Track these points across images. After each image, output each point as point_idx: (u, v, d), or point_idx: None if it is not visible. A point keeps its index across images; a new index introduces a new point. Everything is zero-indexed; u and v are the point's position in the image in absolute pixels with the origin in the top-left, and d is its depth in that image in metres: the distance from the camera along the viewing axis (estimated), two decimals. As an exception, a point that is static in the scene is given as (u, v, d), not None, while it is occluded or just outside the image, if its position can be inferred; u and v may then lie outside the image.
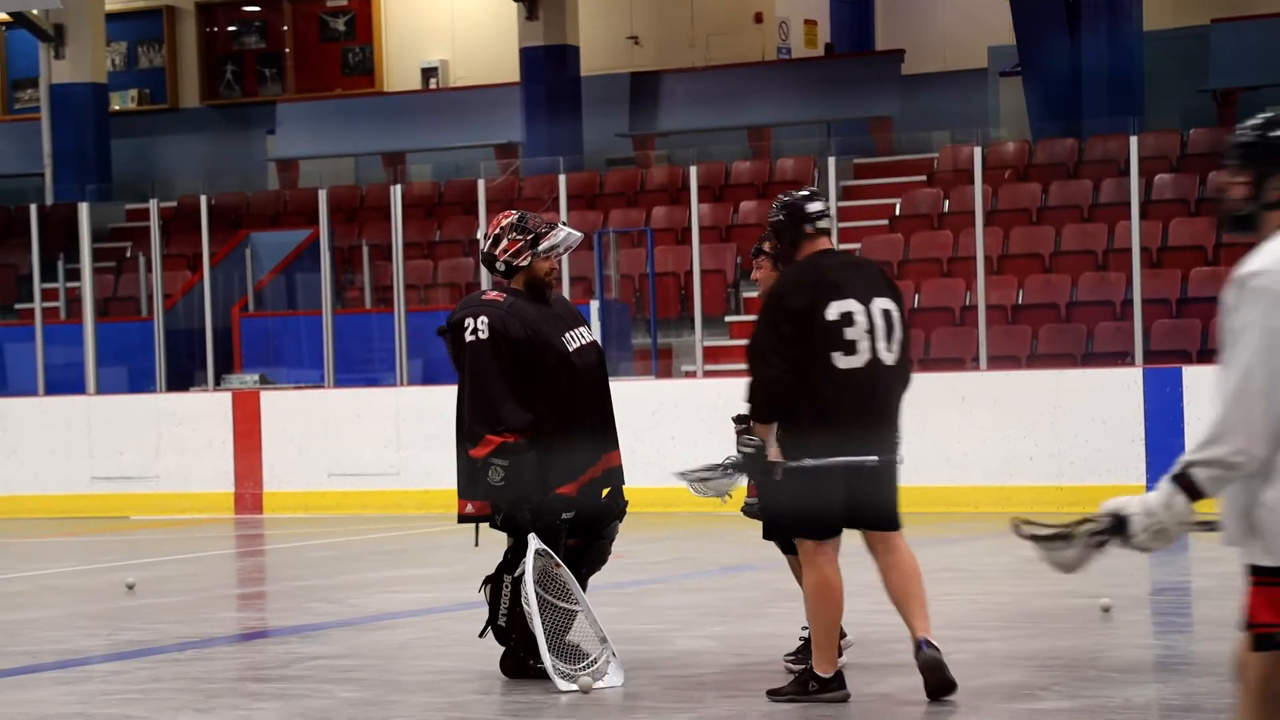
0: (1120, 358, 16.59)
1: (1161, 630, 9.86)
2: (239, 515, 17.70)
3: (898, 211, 20.38)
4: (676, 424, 16.42)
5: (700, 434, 15.85)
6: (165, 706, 7.76)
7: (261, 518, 17.59)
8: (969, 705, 7.47)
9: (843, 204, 19.18)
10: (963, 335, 17.56)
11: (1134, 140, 16.62)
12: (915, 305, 18.77)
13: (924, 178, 20.93)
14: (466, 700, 7.46)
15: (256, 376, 18.99)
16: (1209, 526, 4.61)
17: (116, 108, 26.03)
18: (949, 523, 15.12)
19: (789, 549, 8.02)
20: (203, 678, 8.62)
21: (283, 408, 17.87)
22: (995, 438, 15.82)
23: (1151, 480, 15.39)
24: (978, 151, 17.33)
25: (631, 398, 16.65)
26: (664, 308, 19.68)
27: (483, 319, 7.70)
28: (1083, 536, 4.71)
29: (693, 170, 18.20)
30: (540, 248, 7.93)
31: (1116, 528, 4.60)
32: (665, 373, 18.77)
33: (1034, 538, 4.82)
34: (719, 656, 8.43)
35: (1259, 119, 4.61)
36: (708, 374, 17.62)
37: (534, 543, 7.74)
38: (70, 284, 21.30)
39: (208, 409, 18.05)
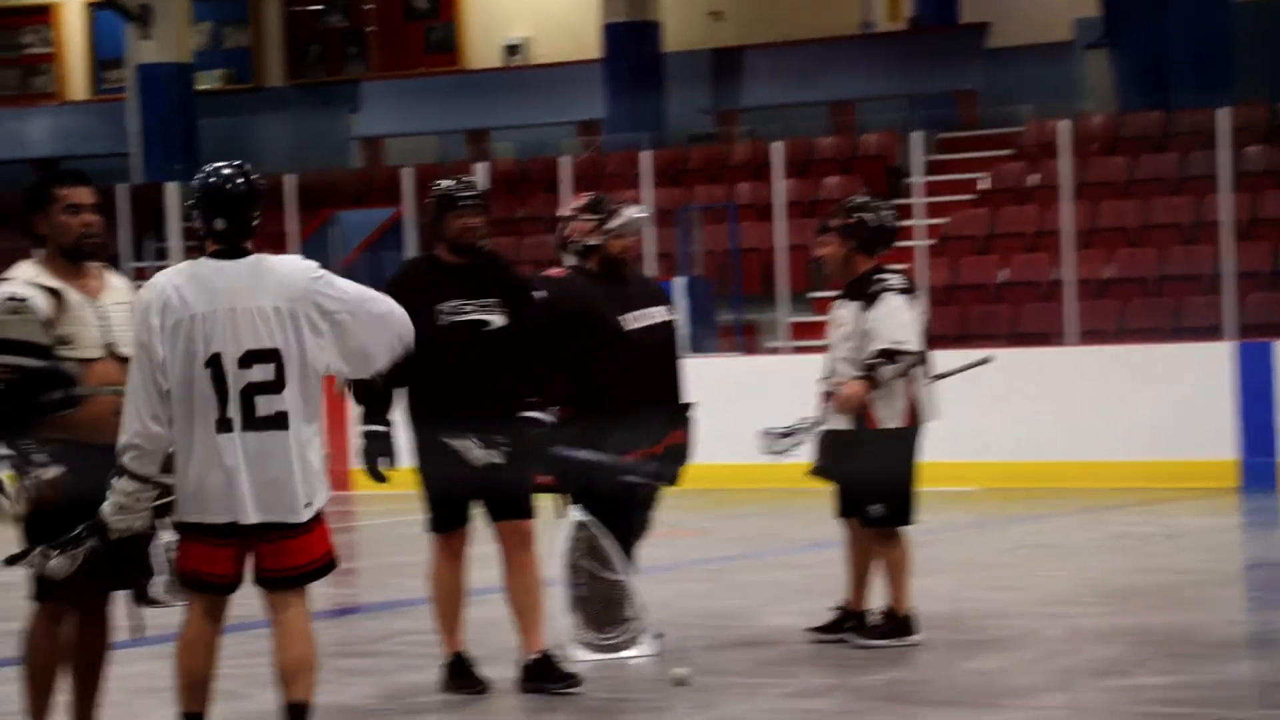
0: (1211, 332, 16.43)
1: (1256, 605, 9.77)
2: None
3: (984, 186, 20.24)
4: (762, 400, 16.33)
5: (786, 407, 15.74)
6: (256, 681, 7.81)
7: (351, 494, 17.68)
8: (1062, 682, 7.43)
9: (928, 179, 19.07)
10: (1050, 310, 17.42)
11: (1223, 112, 16.44)
12: (1003, 280, 18.65)
13: (1010, 152, 20.78)
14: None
15: (344, 354, 19.05)
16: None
17: (202, 87, 26.19)
18: (1038, 499, 15.03)
19: (870, 524, 8.05)
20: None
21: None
22: (1084, 413, 15.69)
23: (1245, 455, 15.25)
24: (1065, 125, 17.18)
25: (716, 374, 16.62)
26: (748, 284, 19.63)
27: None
28: (62, 548, 5.68)
29: (776, 146, 18.13)
30: (609, 227, 8.01)
31: (96, 529, 5.68)
32: (750, 349, 18.73)
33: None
34: (808, 633, 8.40)
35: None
36: (793, 350, 17.57)
37: (575, 513, 7.88)
38: (158, 263, 21.44)
39: (295, 386, 18.12)
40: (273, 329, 5.67)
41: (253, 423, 5.65)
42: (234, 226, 5.76)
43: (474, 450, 7.21)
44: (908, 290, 8.16)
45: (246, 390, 5.64)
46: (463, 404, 7.19)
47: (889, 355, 7.99)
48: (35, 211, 6.01)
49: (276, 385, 5.66)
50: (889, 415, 8.05)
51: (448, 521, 7.33)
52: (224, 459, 5.63)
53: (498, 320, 7.29)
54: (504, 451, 7.21)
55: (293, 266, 5.81)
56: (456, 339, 7.23)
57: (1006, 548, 12.22)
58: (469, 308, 7.28)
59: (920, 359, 8.11)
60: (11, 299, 5.85)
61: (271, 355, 5.66)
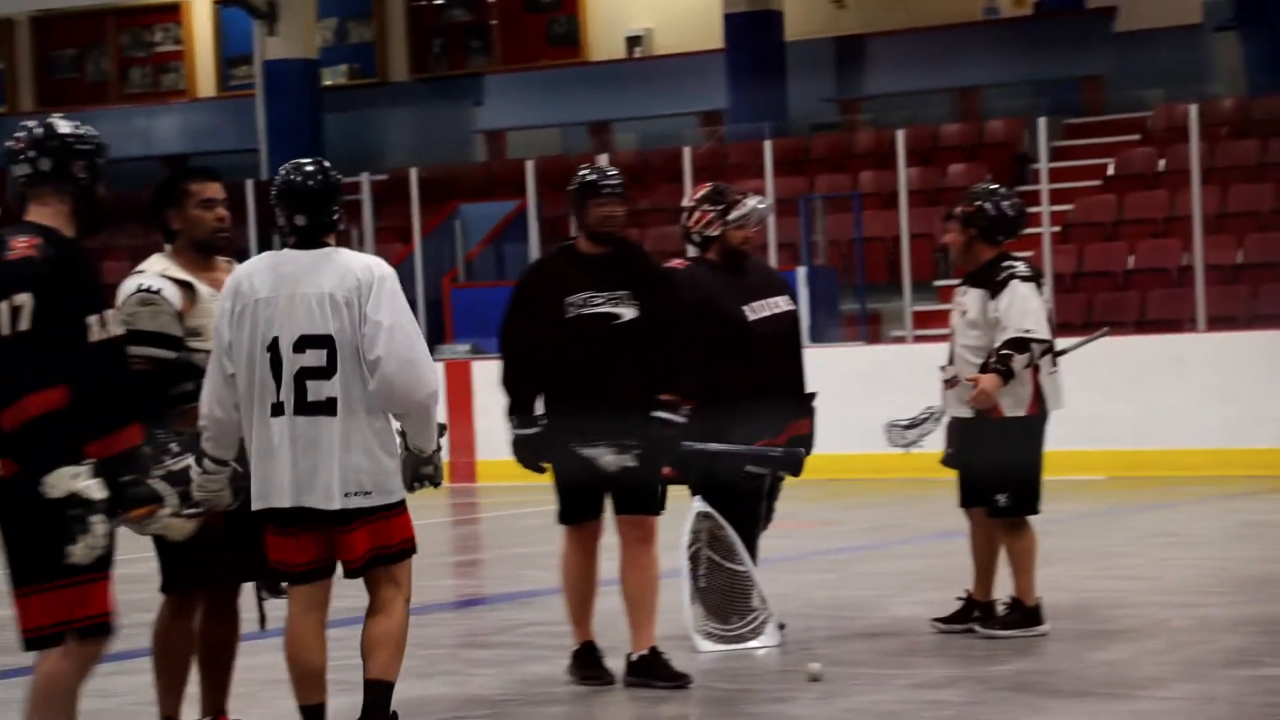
0: (1344, 317, 16.17)
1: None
2: (453, 484, 17.91)
3: (1111, 171, 20.03)
4: (886, 390, 16.27)
5: (911, 399, 15.69)
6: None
7: (475, 486, 17.80)
8: (1192, 673, 7.34)
9: (1054, 165, 18.88)
10: (1180, 296, 17.22)
11: (1356, 93, 16.17)
12: (1130, 266, 18.44)
13: (1138, 136, 20.54)
14: (686, 667, 7.46)
15: (468, 346, 19.17)
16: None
17: (328, 83, 26.41)
18: (1167, 487, 14.86)
19: (996, 514, 8.00)
20: (421, 643, 8.71)
21: (494, 377, 17.94)
22: (1214, 400, 15.49)
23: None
24: (1194, 109, 16.96)
25: (841, 363, 16.57)
26: (872, 273, 19.54)
27: None
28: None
29: (900, 134, 18.02)
30: (730, 218, 7.98)
31: (184, 497, 5.69)
32: (874, 338, 18.65)
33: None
34: (933, 623, 8.35)
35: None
36: (917, 339, 17.47)
37: (697, 504, 7.85)
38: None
39: (421, 379, 18.22)
40: (328, 315, 5.72)
41: (303, 407, 5.71)
42: (313, 222, 5.84)
43: (606, 456, 7.17)
44: (1033, 278, 8.10)
45: (299, 375, 5.71)
46: (592, 398, 7.12)
47: (1018, 345, 7.92)
48: (169, 206, 6.09)
49: (327, 371, 5.71)
50: (1013, 404, 7.99)
51: (577, 513, 7.31)
52: (273, 442, 5.72)
53: (628, 313, 7.19)
54: (636, 454, 7.18)
55: (359, 260, 5.84)
56: (585, 332, 7.15)
57: (1134, 537, 12.09)
58: (598, 300, 7.19)
59: (1049, 347, 8.04)
60: (143, 290, 5.93)
61: (324, 341, 5.71)
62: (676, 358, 7.26)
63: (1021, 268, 8.09)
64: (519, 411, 7.28)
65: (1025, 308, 7.98)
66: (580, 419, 7.14)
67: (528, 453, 7.28)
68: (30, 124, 5.24)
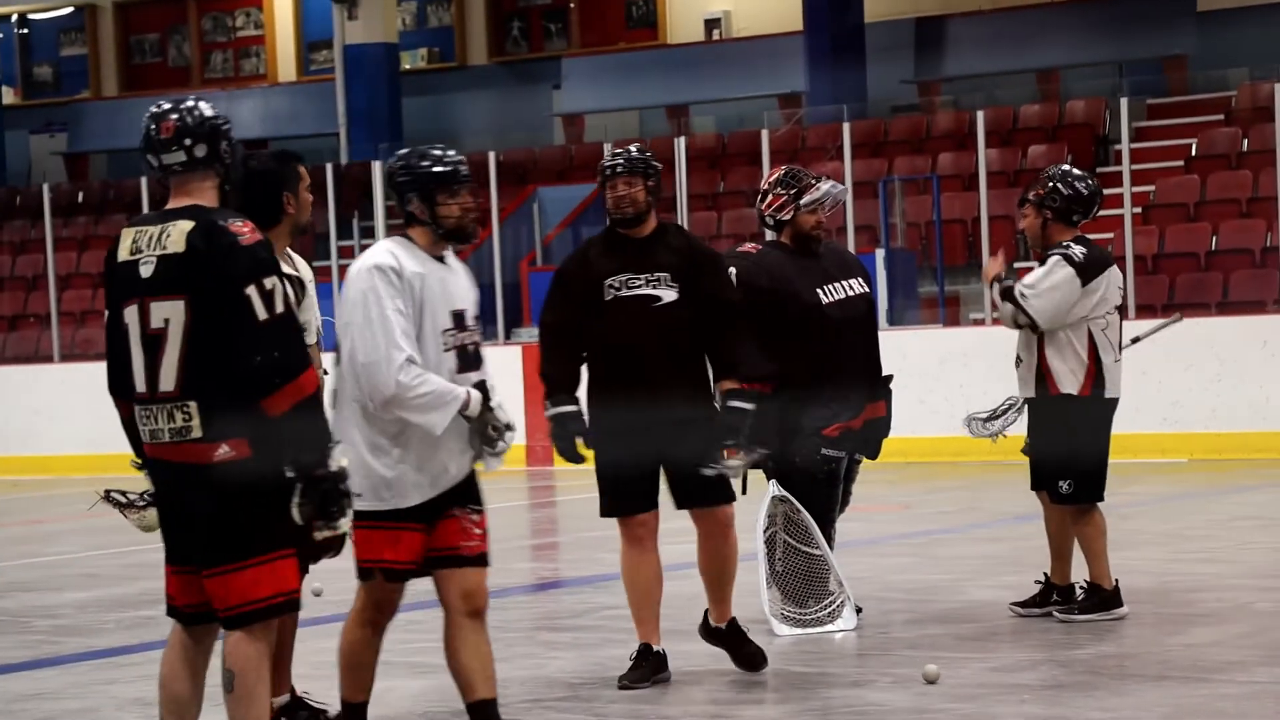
0: None
1: None
2: (530, 467, 17.95)
3: (1194, 152, 19.85)
4: (965, 372, 16.22)
5: (990, 382, 15.59)
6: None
7: (552, 469, 17.82)
8: (1274, 656, 7.29)
9: (1135, 145, 18.73)
10: (1263, 277, 17.05)
11: None
12: (1213, 248, 18.28)
13: (1221, 117, 20.34)
14: (763, 648, 7.45)
15: (550, 329, 19.18)
16: None
17: (407, 67, 26.50)
18: (1250, 469, 14.73)
19: (1059, 500, 7.98)
20: (499, 626, 8.72)
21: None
22: (1299, 382, 15.34)
23: None
24: (1278, 88, 16.77)
25: (919, 346, 16.51)
26: (951, 255, 19.45)
27: (730, 270, 7.55)
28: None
29: (979, 115, 17.92)
30: (803, 201, 7.95)
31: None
32: (953, 321, 18.56)
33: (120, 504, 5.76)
34: (1012, 607, 8.31)
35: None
36: (996, 321, 17.37)
37: (772, 489, 7.83)
38: (365, 241, 21.76)
39: (499, 362, 18.19)
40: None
41: None
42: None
43: (730, 462, 7.07)
44: (1083, 266, 7.94)
45: None
46: (633, 382, 6.96)
47: (1011, 295, 7.87)
48: (287, 189, 6.06)
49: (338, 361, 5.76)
50: (1068, 380, 7.91)
51: (626, 506, 7.09)
52: None
53: (668, 295, 7.01)
54: (753, 449, 7.08)
55: (364, 258, 5.77)
56: (624, 315, 6.99)
57: (1217, 520, 11.98)
58: (637, 282, 7.02)
59: (1035, 328, 7.92)
60: None
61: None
62: (737, 342, 7.10)
63: (1077, 251, 7.96)
64: (555, 392, 7.02)
65: (1046, 282, 7.88)
66: (623, 403, 6.97)
67: (566, 434, 6.99)
68: (167, 109, 5.13)
